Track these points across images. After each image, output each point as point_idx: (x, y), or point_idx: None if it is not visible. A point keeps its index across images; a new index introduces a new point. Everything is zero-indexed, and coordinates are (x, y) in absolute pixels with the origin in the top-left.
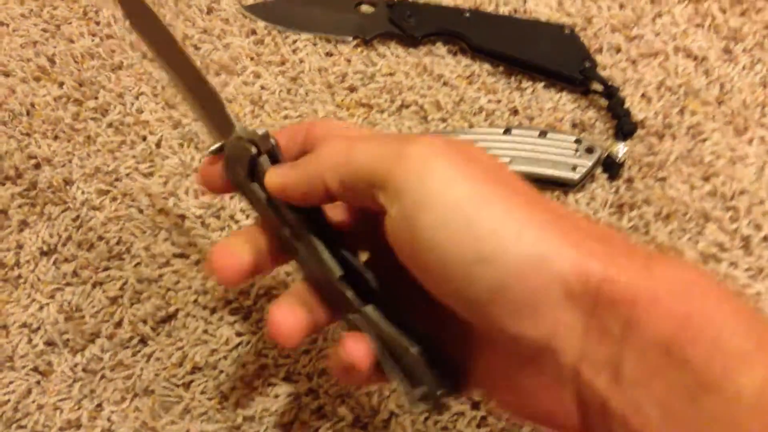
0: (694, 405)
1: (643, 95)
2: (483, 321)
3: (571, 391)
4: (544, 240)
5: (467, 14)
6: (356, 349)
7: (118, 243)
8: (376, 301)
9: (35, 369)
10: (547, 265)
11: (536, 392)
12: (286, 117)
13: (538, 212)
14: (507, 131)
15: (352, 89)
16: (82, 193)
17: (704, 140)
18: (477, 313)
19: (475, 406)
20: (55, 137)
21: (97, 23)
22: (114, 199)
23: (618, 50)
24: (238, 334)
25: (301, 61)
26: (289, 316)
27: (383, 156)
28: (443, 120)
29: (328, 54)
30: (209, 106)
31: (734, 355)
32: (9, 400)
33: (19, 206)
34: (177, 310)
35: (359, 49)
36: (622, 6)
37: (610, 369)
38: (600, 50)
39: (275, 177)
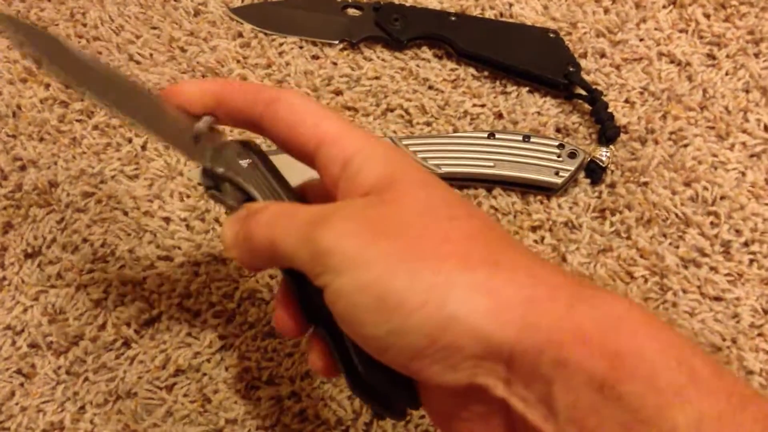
0: None
1: (626, 100)
2: (409, 373)
3: (502, 421)
4: (451, 301)
5: (453, 18)
6: (314, 362)
7: (102, 245)
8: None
9: (19, 371)
10: (455, 324)
11: (474, 422)
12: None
13: (448, 268)
14: (491, 135)
15: (338, 92)
16: (67, 195)
17: (686, 145)
18: (401, 368)
19: None
20: (41, 139)
21: (84, 25)
22: (99, 201)
23: (602, 55)
24: (222, 337)
25: (287, 63)
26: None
27: (297, 246)
28: (428, 124)
29: (314, 57)
30: (162, 123)
31: (667, 390)
32: None
33: (4, 208)
34: (161, 313)
35: (345, 53)
36: (606, 11)
37: (543, 406)
38: (584, 55)
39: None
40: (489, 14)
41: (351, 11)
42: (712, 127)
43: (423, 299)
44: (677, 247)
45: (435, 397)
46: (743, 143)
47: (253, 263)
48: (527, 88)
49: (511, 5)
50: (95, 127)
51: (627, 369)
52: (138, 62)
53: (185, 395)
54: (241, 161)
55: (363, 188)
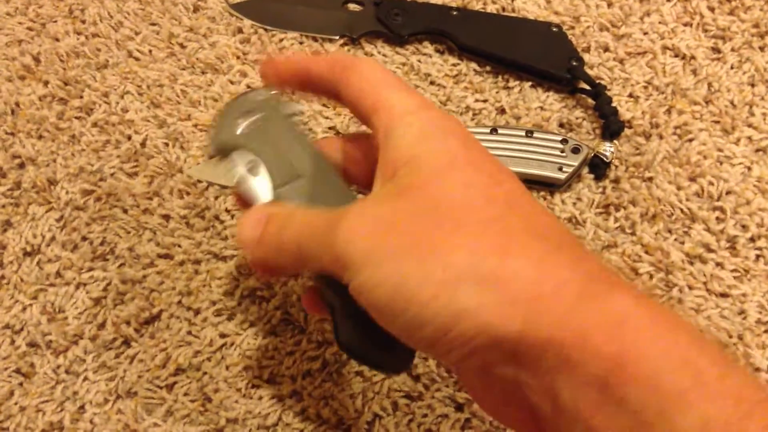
0: None
1: (630, 95)
2: (435, 357)
3: (526, 402)
4: (460, 295)
5: (455, 12)
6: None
7: (102, 243)
8: None
9: (17, 371)
10: (464, 318)
11: (506, 399)
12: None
13: (458, 261)
14: (493, 131)
15: None
16: (67, 193)
17: (691, 140)
18: (427, 352)
19: (459, 408)
20: (40, 137)
21: (83, 21)
22: (98, 199)
23: (606, 49)
24: (222, 336)
25: None
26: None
27: (320, 251)
28: None
29: (315, 53)
30: None
31: (670, 394)
32: None
33: (3, 206)
34: (161, 312)
35: (346, 48)
36: (610, 4)
37: (549, 399)
38: (588, 49)
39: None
40: (491, 8)
41: (351, 6)
42: (718, 122)
43: (433, 293)
44: (683, 242)
45: (467, 376)
46: (749, 137)
47: (276, 268)
48: (530, 83)
49: None
50: (94, 125)
51: (629, 371)
52: (137, 59)
53: (186, 394)
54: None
55: (391, 166)
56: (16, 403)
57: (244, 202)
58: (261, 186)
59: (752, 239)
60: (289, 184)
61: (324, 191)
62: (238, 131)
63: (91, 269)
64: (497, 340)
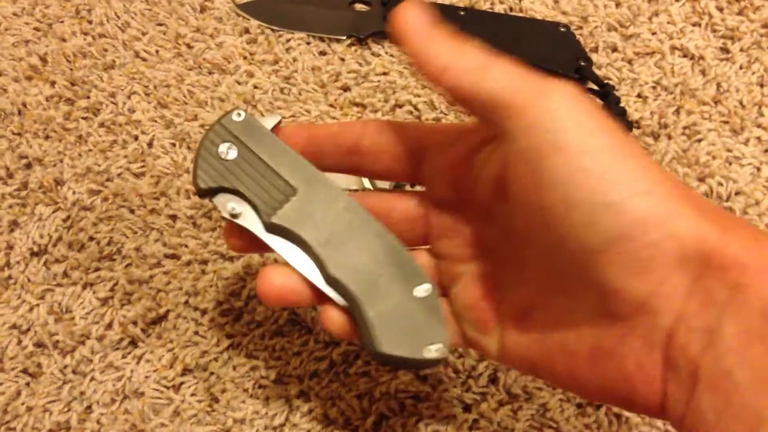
0: None
1: (638, 95)
2: (587, 271)
3: (658, 356)
4: (671, 199)
5: (462, 13)
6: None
7: (108, 244)
8: None
9: (24, 371)
10: (669, 222)
11: (619, 357)
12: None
13: (662, 173)
14: None
15: (346, 88)
16: (73, 193)
17: (700, 140)
18: (586, 260)
19: (467, 409)
20: (47, 137)
21: (90, 22)
22: (105, 199)
23: (614, 49)
24: (229, 336)
25: (295, 60)
26: (281, 278)
27: (522, 87)
28: (437, 120)
29: (322, 53)
30: None
31: None
32: None
33: (10, 206)
34: (168, 312)
35: (353, 48)
36: (618, 4)
37: (706, 334)
38: (596, 49)
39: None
40: (498, 8)
41: (358, 6)
42: (727, 122)
43: (649, 187)
44: None
45: (591, 332)
46: (758, 138)
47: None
48: None
49: None
50: (101, 125)
51: None
52: (144, 59)
53: (193, 395)
54: (229, 151)
55: None
56: (23, 403)
57: None
58: (249, 224)
59: None
60: (286, 204)
61: (320, 196)
62: (216, 173)
63: (98, 269)
64: (687, 256)
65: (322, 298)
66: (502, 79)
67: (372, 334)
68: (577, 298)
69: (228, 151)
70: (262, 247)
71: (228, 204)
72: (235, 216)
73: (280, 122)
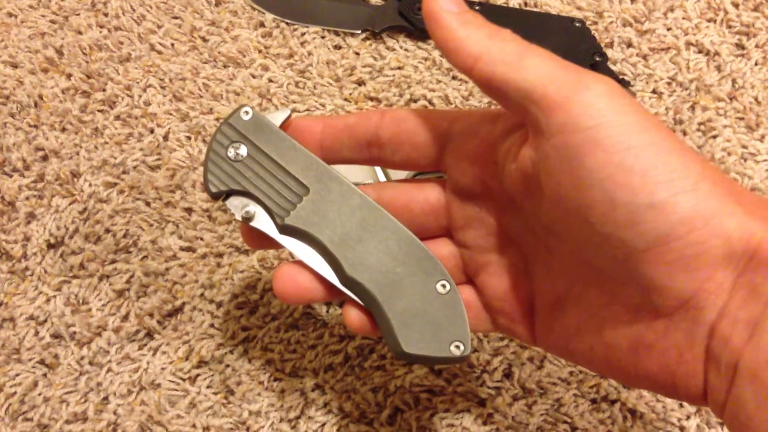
0: None
1: (654, 90)
2: (628, 268)
3: (701, 349)
4: (716, 196)
5: (477, 7)
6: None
7: (125, 236)
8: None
9: (42, 362)
10: (716, 220)
11: (661, 350)
12: (293, 110)
13: (707, 168)
14: None
15: (361, 83)
16: (90, 185)
17: (715, 137)
18: (628, 258)
19: (482, 403)
20: (63, 129)
21: (106, 15)
22: (121, 191)
23: (629, 45)
24: (244, 329)
25: (309, 53)
26: (298, 276)
27: (559, 80)
28: None
29: (337, 47)
30: None
31: None
32: (15, 393)
33: (27, 198)
34: (183, 304)
35: (368, 42)
36: (633, 0)
37: (749, 326)
38: (611, 44)
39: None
40: (513, 3)
41: (374, 0)
42: (742, 118)
43: (694, 184)
44: None
45: (609, 319)
46: None
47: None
48: None
49: None
50: (117, 117)
51: None
52: (159, 52)
53: (208, 386)
54: (238, 152)
55: None
56: (40, 394)
57: None
58: (263, 226)
59: None
60: (299, 204)
61: (332, 194)
62: (226, 176)
63: (114, 261)
64: (733, 252)
65: (341, 293)
66: (538, 70)
67: (395, 334)
68: (614, 293)
69: (237, 152)
70: (279, 245)
71: (241, 207)
72: (248, 219)
73: (290, 116)
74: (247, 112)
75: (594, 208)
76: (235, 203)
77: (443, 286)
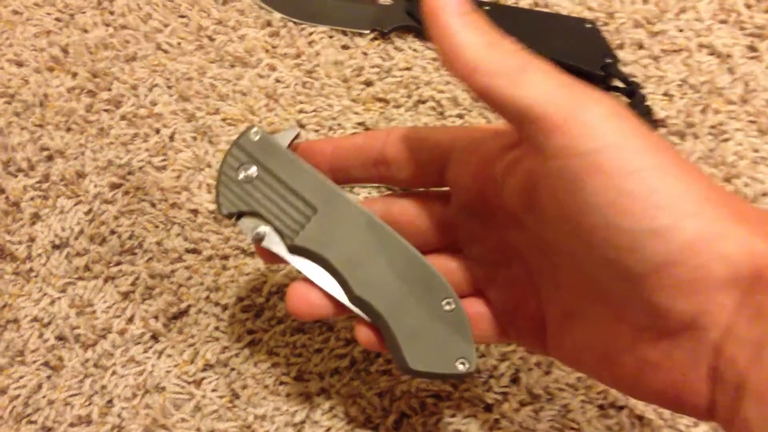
0: None
1: (665, 93)
2: (631, 290)
3: (705, 368)
4: (719, 218)
5: (487, 8)
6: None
7: (130, 237)
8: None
9: (46, 364)
10: (718, 244)
11: (665, 369)
12: (301, 111)
13: (711, 189)
14: None
15: (369, 83)
16: (95, 186)
17: (727, 140)
18: (630, 281)
19: (488, 408)
20: (68, 129)
21: (111, 13)
22: (126, 192)
23: (640, 46)
24: (250, 332)
25: (317, 53)
26: (308, 294)
27: (559, 99)
28: (460, 116)
29: (345, 47)
30: None
31: None
32: (19, 395)
33: (32, 199)
34: (189, 307)
35: (376, 43)
36: (645, 1)
37: (754, 347)
38: (622, 46)
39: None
40: (523, 4)
41: (382, 0)
42: (754, 122)
43: (696, 208)
44: None
45: (612, 337)
46: None
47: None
48: None
49: None
50: (123, 117)
51: None
52: (166, 51)
53: (214, 390)
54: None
55: None
56: (44, 397)
57: None
58: (273, 247)
59: None
60: (307, 225)
61: (340, 214)
62: (237, 199)
63: (119, 263)
64: (737, 275)
65: (349, 310)
66: (539, 88)
67: (401, 352)
68: (619, 312)
69: (247, 173)
70: None
71: (252, 227)
72: (259, 239)
73: (297, 135)
74: (256, 133)
75: (595, 233)
76: (246, 223)
77: (448, 303)
